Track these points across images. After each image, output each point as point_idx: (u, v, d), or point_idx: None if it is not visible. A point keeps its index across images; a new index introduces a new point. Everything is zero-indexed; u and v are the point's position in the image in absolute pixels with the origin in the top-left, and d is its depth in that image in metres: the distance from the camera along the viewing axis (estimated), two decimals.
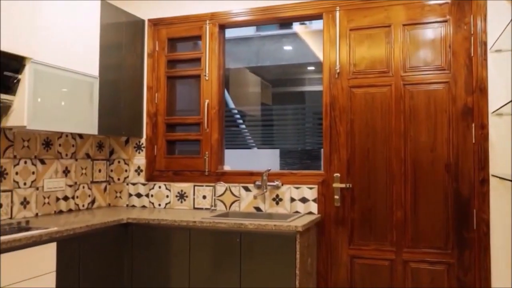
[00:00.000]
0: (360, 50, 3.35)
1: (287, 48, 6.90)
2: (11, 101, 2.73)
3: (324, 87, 3.44)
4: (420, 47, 3.22)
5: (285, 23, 3.82)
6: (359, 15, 3.36)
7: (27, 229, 2.60)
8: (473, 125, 3.07)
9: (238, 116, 7.35)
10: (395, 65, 3.26)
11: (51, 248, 2.59)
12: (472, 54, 3.08)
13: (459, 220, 3.09)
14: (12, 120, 2.75)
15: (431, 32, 3.20)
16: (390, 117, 3.27)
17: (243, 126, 7.49)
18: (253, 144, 7.46)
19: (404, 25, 3.26)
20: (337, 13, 3.40)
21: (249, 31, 7.03)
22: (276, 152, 7.44)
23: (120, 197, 3.92)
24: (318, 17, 3.50)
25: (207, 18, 3.73)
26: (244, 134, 7.52)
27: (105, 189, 3.91)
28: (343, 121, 3.37)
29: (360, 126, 3.33)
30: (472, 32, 3.09)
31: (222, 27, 3.78)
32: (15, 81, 2.71)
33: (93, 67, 3.27)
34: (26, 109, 2.73)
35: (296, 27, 5.97)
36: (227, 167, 3.80)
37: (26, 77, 2.73)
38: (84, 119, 3.20)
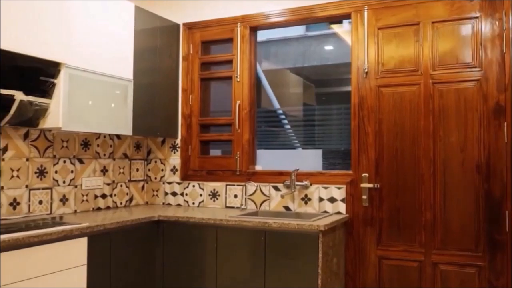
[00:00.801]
0: (388, 49, 3.31)
1: (329, 48, 6.86)
2: (48, 104, 2.92)
3: (352, 87, 3.43)
4: (450, 45, 3.14)
5: (313, 24, 3.82)
6: (388, 14, 3.32)
7: (60, 224, 2.78)
8: (505, 124, 2.96)
9: (283, 116, 7.40)
10: (424, 63, 3.20)
11: (82, 243, 2.75)
12: (504, 51, 2.97)
13: (491, 222, 2.98)
14: (49, 122, 2.94)
15: (461, 29, 3.11)
16: (419, 117, 3.20)
17: (288, 126, 7.53)
18: (298, 145, 7.48)
19: (433, 22, 3.19)
20: (365, 12, 3.38)
21: (298, 31, 7.04)
22: (320, 152, 7.42)
23: (157, 195, 4.08)
24: (346, 17, 3.49)
25: (238, 20, 3.81)
26: (289, 135, 7.56)
27: (142, 187, 4.08)
28: (371, 121, 3.34)
29: (389, 126, 3.29)
30: (504, 28, 2.97)
31: (253, 29, 3.84)
32: (51, 85, 2.90)
33: (127, 71, 3.43)
34: (61, 112, 2.91)
35: (335, 27, 5.94)
36: (258, 167, 3.86)
37: (61, 82, 2.92)
38: (119, 120, 3.36)
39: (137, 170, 4.03)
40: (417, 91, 3.21)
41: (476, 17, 3.06)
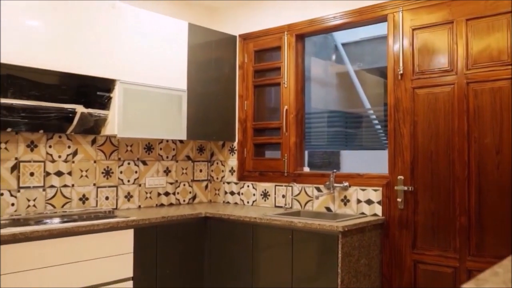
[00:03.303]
0: (422, 49, 3.26)
1: None
2: (106, 115, 3.43)
3: (388, 89, 3.43)
4: (485, 42, 3.00)
5: (352, 28, 3.84)
6: (422, 13, 3.27)
7: (111, 217, 3.26)
8: None
9: (373, 117, 7.32)
10: (458, 62, 3.10)
11: (128, 234, 3.20)
12: None
13: None
14: (108, 130, 3.45)
15: (496, 25, 2.96)
16: (453, 118, 3.11)
17: (379, 127, 7.42)
18: (380, 145, 7.35)
19: (467, 20, 3.07)
20: (400, 14, 3.36)
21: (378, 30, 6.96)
22: None
23: (218, 194, 4.44)
24: (382, 19, 3.49)
25: (285, 29, 4.00)
26: (379, 135, 7.45)
27: (206, 187, 4.48)
28: (407, 123, 3.31)
29: (423, 128, 3.24)
30: None
31: (299, 37, 4.00)
32: (107, 99, 3.40)
33: (181, 82, 3.83)
34: (116, 121, 3.40)
35: None
36: (306, 169, 4.01)
37: (116, 95, 3.41)
38: (173, 126, 3.78)
39: (201, 170, 4.43)
40: (452, 91, 3.12)
41: (511, 12, 2.89)
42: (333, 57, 6.24)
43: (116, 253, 3.13)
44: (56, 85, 3.14)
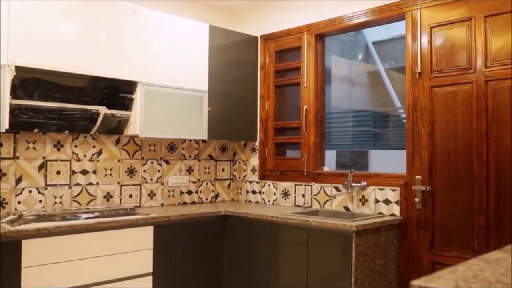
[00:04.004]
0: (440, 47, 3.22)
1: None
2: (128, 115, 3.55)
3: (406, 88, 3.40)
4: (504, 39, 2.94)
5: (368, 28, 3.83)
6: (440, 11, 3.22)
7: (131, 214, 3.37)
8: None
9: (404, 116, 7.23)
10: (477, 60, 3.04)
11: (148, 230, 3.30)
12: None
13: None
14: (131, 130, 3.57)
15: None
16: (471, 117, 3.06)
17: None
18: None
19: (486, 16, 3.01)
20: (418, 11, 3.32)
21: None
22: None
23: (240, 193, 4.50)
24: (400, 17, 3.46)
25: (305, 29, 4.02)
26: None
27: (228, 185, 4.55)
28: (425, 122, 3.28)
29: (441, 127, 3.20)
30: None
31: (319, 37, 4.01)
32: (129, 100, 3.52)
33: (202, 83, 3.91)
34: (138, 122, 3.52)
35: None
36: (326, 168, 4.02)
37: (138, 97, 3.52)
38: (194, 126, 3.87)
39: (223, 170, 4.51)
40: (470, 90, 3.07)
41: None
42: (361, 56, 6.20)
43: (136, 249, 3.23)
44: (80, 87, 3.27)
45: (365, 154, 5.69)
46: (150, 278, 3.30)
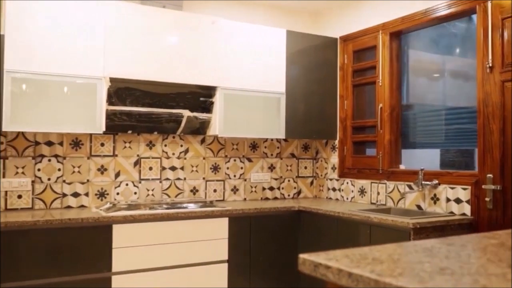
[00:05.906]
0: None
1: None
2: (210, 117, 3.93)
3: (477, 83, 3.29)
4: None
5: (439, 24, 3.70)
6: None
7: (209, 206, 3.74)
8: None
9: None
10: None
11: (224, 222, 3.64)
12: None
13: None
14: (212, 130, 3.95)
15: None
16: None
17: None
18: None
19: None
20: (489, 4, 3.20)
21: None
22: None
23: (322, 190, 4.66)
24: (471, 11, 3.35)
25: (380, 28, 4.05)
26: None
27: (311, 183, 4.73)
28: (496, 118, 3.15)
29: None
30: None
31: (394, 35, 4.01)
32: (210, 103, 3.89)
33: (279, 85, 4.15)
34: (217, 123, 3.88)
35: None
36: (402, 167, 4.00)
37: (217, 100, 3.88)
38: (272, 126, 4.12)
39: (305, 167, 4.70)
40: None
41: None
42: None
43: (213, 238, 3.59)
44: (165, 93, 3.73)
45: (471, 152, 5.43)
46: (226, 265, 3.63)
